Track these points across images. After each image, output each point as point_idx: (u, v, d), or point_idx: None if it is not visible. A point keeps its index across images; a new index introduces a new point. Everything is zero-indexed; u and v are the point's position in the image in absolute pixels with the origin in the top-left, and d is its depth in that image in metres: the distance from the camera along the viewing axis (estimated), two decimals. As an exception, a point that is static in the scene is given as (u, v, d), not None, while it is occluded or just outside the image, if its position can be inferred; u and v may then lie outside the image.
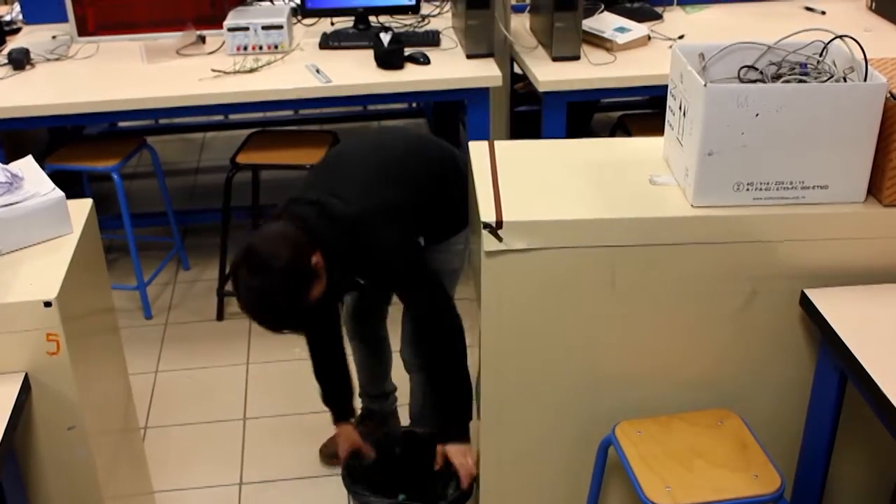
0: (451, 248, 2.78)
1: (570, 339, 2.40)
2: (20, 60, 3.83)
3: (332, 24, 4.21)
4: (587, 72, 3.62)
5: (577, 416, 2.50)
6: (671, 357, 2.44)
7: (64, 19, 4.17)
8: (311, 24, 4.25)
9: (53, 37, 4.15)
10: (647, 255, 2.30)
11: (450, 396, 2.57)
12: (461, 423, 2.58)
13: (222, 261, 3.97)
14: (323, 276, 2.35)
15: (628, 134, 3.94)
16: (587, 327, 2.39)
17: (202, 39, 4.03)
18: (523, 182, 2.46)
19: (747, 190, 2.27)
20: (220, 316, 4.06)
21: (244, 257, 2.30)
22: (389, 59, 3.70)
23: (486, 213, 2.29)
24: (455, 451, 2.58)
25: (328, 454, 3.19)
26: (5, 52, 3.94)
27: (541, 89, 3.57)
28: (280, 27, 3.90)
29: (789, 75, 2.31)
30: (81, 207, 2.45)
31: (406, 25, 4.13)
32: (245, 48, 3.91)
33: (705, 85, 2.17)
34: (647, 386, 2.47)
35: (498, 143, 2.66)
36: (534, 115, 3.97)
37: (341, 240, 2.40)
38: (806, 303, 2.30)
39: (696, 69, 2.29)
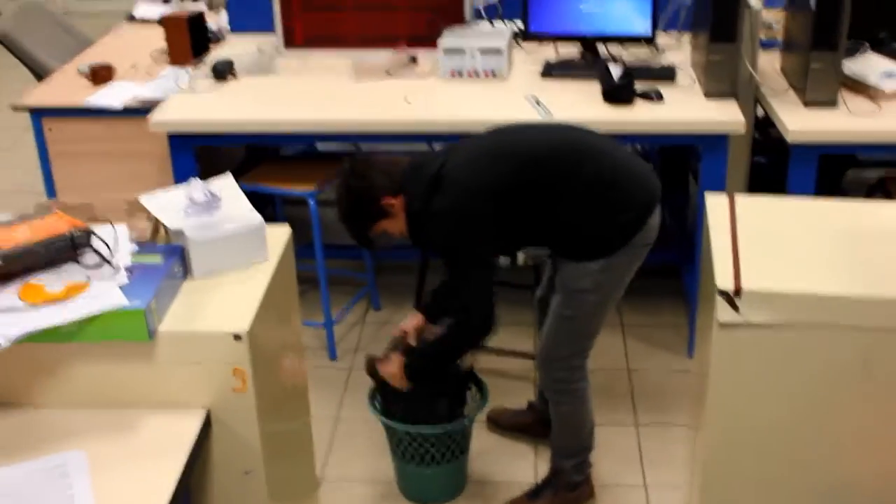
0: (584, 267, 2.95)
1: (812, 433, 2.32)
2: (223, 72, 4.03)
3: (556, 51, 4.24)
4: (845, 122, 3.52)
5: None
6: (930, 463, 2.32)
7: (270, 28, 4.37)
8: (533, 51, 4.29)
9: (259, 49, 4.33)
10: (909, 342, 2.20)
11: (421, 347, 3.20)
12: (409, 363, 3.13)
13: (417, 304, 4.01)
14: (396, 217, 2.97)
15: (889, 197, 3.79)
16: (833, 421, 2.30)
17: (414, 60, 4.14)
18: (767, 245, 2.40)
19: None
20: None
21: (349, 168, 3.02)
22: (618, 93, 3.68)
23: (723, 279, 2.24)
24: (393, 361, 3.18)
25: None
26: (209, 61, 4.14)
27: (790, 139, 3.48)
28: (499, 51, 3.95)
29: None
30: (279, 235, 2.53)
31: (639, 58, 4.12)
32: (460, 73, 3.98)
33: None
34: (898, 494, 2.36)
35: (739, 198, 2.60)
36: (775, 167, 3.87)
37: (418, 196, 2.91)
38: None
39: None
